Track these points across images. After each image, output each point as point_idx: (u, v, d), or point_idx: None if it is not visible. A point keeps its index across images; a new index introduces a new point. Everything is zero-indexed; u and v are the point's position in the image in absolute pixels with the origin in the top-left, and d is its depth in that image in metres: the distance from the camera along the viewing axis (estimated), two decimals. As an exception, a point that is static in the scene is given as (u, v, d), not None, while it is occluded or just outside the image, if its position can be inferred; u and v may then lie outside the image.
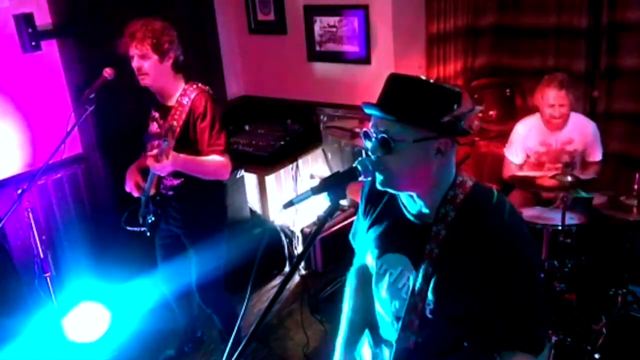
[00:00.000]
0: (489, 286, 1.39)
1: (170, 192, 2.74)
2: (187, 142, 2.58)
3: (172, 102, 2.65)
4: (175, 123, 2.57)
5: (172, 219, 2.79)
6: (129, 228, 2.87)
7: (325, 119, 4.18)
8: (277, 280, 3.94)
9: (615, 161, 3.67)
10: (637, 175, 2.91)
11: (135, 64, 2.57)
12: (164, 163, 2.41)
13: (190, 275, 2.93)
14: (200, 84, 2.69)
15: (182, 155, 2.50)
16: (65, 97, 3.45)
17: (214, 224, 2.87)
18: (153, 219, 2.78)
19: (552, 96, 3.27)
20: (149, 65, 2.56)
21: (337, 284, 3.64)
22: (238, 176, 3.92)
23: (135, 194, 2.79)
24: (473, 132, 1.85)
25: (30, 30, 3.15)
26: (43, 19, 3.26)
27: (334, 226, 3.82)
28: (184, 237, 2.86)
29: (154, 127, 2.74)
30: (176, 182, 2.70)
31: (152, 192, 2.72)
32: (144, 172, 2.77)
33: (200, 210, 2.78)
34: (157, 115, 2.73)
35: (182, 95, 2.62)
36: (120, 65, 2.70)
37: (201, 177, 2.65)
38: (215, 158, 2.61)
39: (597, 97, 3.73)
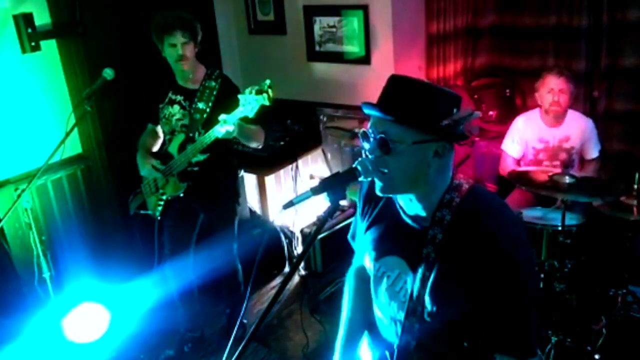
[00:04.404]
0: (484, 290, 1.37)
1: (196, 168, 2.92)
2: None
3: (195, 85, 2.89)
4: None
5: (195, 194, 2.95)
6: (142, 212, 3.08)
7: (325, 119, 4.18)
8: (277, 281, 3.93)
9: (616, 161, 3.67)
10: (637, 175, 2.91)
11: (180, 51, 2.76)
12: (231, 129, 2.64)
13: (197, 263, 3.11)
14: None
15: (243, 124, 2.71)
16: (65, 97, 3.45)
17: (233, 195, 3.14)
18: (163, 201, 2.98)
19: (552, 82, 3.32)
20: (190, 51, 2.80)
21: (337, 284, 3.63)
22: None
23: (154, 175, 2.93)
24: (471, 136, 1.85)
25: (30, 30, 3.15)
26: (43, 19, 3.26)
27: (333, 226, 3.81)
28: (204, 210, 3.08)
29: (175, 109, 2.90)
30: (202, 157, 2.90)
31: (181, 168, 2.89)
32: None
33: (223, 182, 3.06)
34: (180, 98, 2.90)
35: (207, 78, 2.88)
36: (120, 65, 2.70)
37: (248, 142, 2.94)
38: (255, 126, 2.89)
39: (597, 97, 3.73)
